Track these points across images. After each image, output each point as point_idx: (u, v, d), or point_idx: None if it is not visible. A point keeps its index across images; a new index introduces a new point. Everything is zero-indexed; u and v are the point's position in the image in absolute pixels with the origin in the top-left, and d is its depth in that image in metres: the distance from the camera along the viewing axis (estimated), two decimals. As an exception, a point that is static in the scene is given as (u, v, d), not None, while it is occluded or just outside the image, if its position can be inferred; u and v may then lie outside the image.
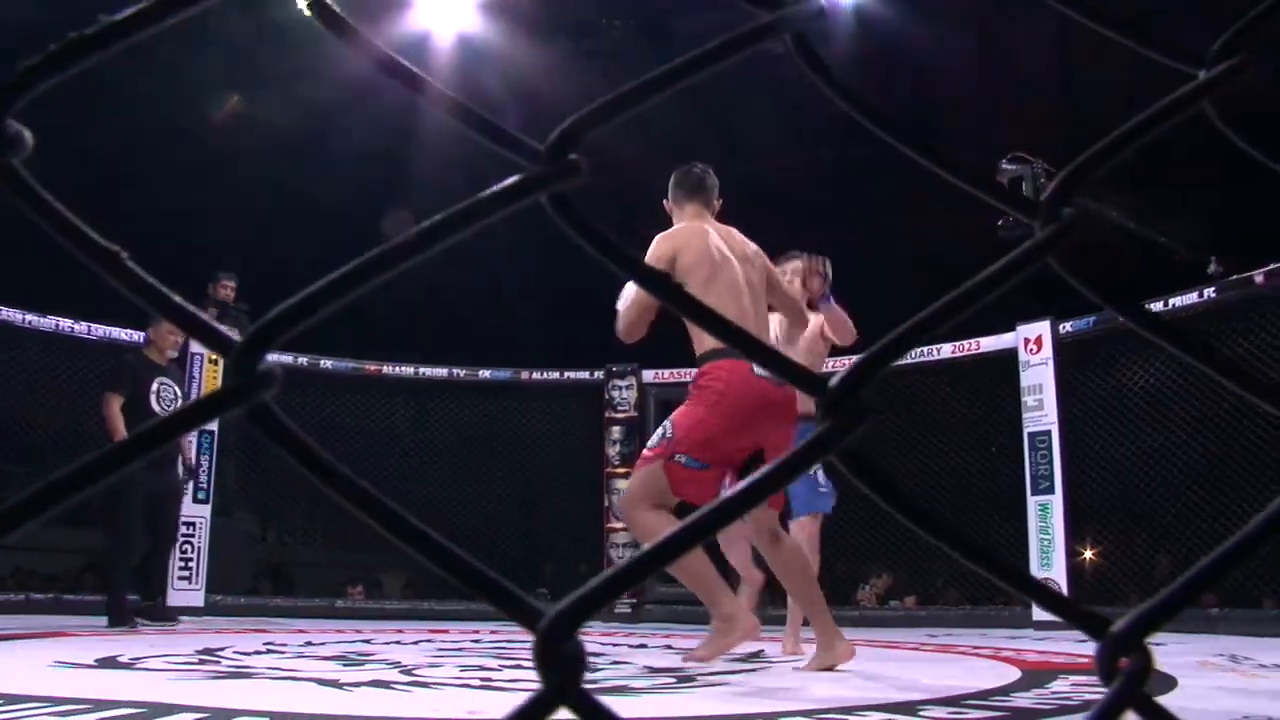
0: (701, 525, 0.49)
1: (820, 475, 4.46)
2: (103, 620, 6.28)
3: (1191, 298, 7.01)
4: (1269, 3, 0.58)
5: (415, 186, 11.03)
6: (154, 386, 6.42)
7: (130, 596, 6.41)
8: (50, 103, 0.51)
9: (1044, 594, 0.55)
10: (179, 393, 6.66)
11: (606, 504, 9.01)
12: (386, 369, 9.28)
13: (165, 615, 6.58)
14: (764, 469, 0.49)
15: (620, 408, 9.14)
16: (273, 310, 0.49)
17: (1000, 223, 6.43)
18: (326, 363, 9.03)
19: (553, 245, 9.52)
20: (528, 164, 0.51)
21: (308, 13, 0.51)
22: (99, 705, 2.43)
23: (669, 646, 5.31)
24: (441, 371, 9.30)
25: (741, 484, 0.49)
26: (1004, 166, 6.77)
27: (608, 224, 0.54)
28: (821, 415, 0.50)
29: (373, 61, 0.53)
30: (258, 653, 4.39)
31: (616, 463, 8.97)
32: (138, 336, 7.54)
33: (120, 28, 0.49)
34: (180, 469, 6.73)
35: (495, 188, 0.51)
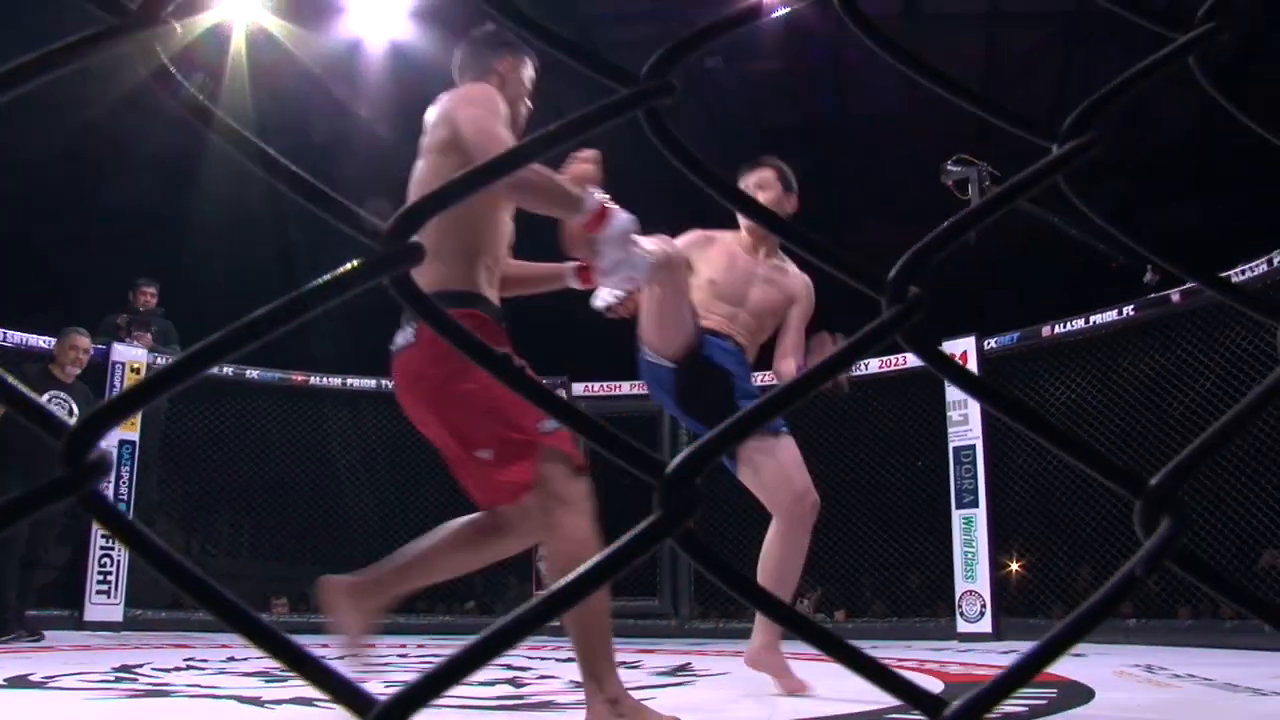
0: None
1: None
2: None
3: (1111, 315, 7.17)
4: (1119, 81, 0.60)
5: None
6: (44, 399, 6.13)
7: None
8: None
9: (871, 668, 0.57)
10: (74, 409, 6.41)
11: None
12: (314, 380, 9.17)
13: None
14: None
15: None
16: (105, 400, 0.51)
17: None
18: (252, 372, 8.90)
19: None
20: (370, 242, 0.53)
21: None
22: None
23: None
24: (370, 382, 9.21)
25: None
26: (948, 168, 6.80)
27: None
28: (656, 500, 0.52)
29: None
30: (177, 669, 4.31)
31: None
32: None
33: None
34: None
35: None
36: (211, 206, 10.68)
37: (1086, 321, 7.29)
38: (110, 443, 8.00)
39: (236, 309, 0.51)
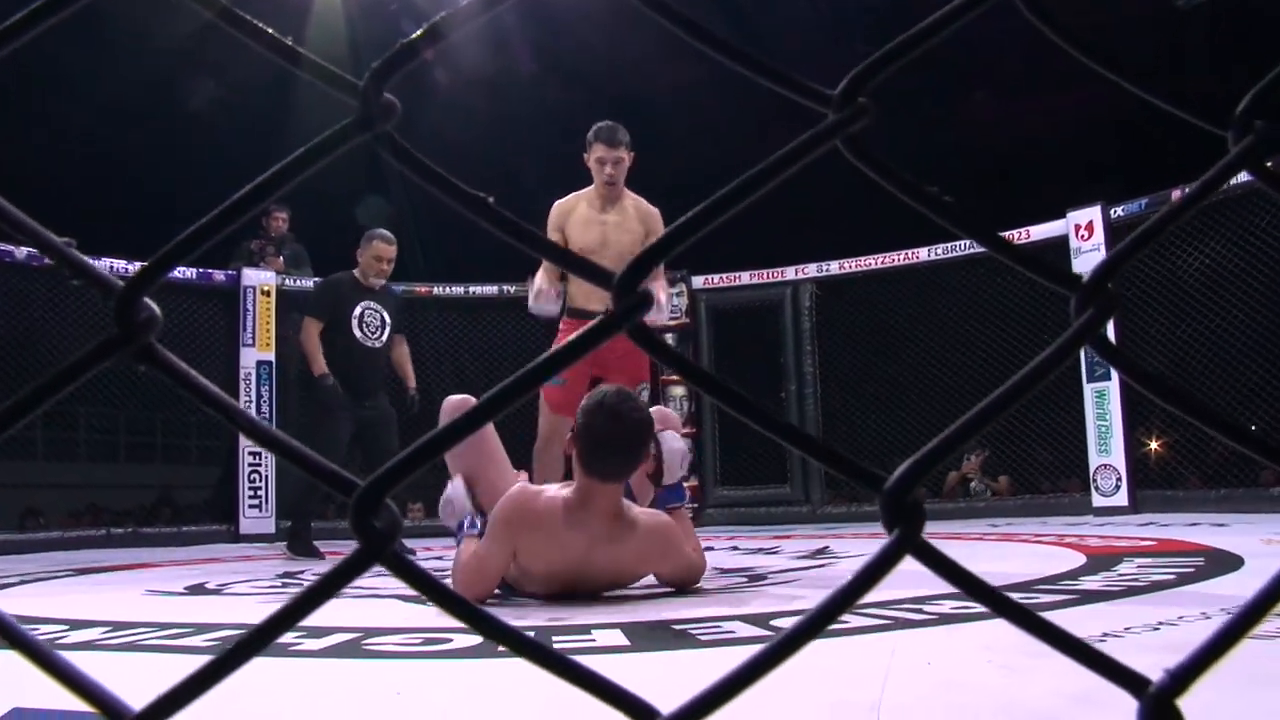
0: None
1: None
2: (181, 551, 6.45)
3: (1244, 175, 6.87)
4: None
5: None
6: (358, 311, 6.03)
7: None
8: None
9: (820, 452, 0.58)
10: (386, 319, 6.19)
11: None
12: (437, 289, 9.34)
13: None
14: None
15: (672, 315, 9.17)
16: (152, 258, 0.53)
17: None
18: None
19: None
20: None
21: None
22: (200, 628, 2.54)
23: (735, 548, 5.41)
24: (492, 289, 9.34)
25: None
26: None
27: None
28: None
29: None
30: (337, 573, 4.53)
31: (669, 371, 9.03)
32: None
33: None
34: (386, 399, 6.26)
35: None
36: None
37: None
38: (248, 364, 8.32)
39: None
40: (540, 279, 4.43)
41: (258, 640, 0.51)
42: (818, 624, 0.51)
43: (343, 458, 5.89)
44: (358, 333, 6.01)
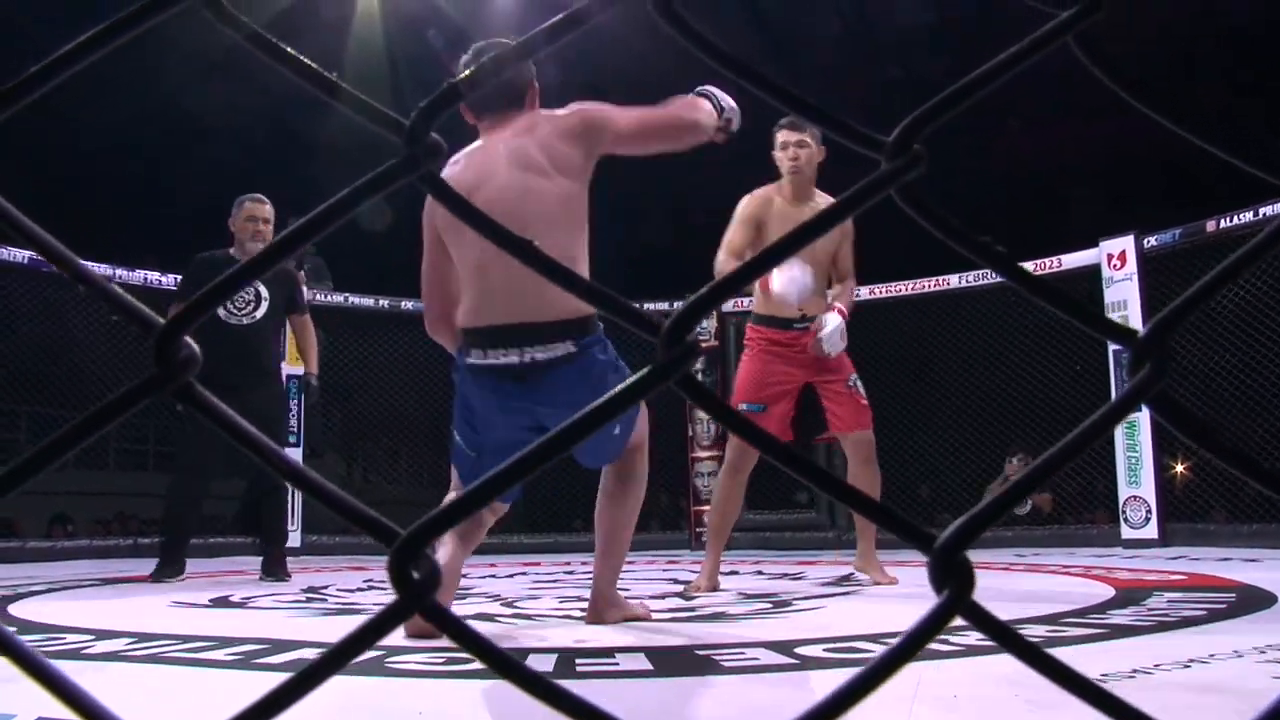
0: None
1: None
2: (208, 562, 6.45)
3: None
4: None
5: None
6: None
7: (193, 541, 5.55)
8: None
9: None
10: (261, 292, 5.31)
11: (690, 434, 9.08)
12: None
13: (274, 571, 5.25)
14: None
15: (700, 336, 9.16)
16: (192, 298, 0.54)
17: None
18: (406, 304, 9.13)
19: (624, 183, 9.50)
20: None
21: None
22: (225, 642, 2.55)
23: (760, 572, 5.38)
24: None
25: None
26: None
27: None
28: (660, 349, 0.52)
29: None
30: (360, 589, 4.54)
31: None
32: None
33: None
34: (284, 381, 5.58)
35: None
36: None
37: (1255, 214, 6.93)
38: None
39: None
40: (722, 265, 4.19)
41: (293, 693, 0.50)
42: (858, 691, 0.50)
43: (207, 460, 5.21)
44: (221, 310, 5.01)
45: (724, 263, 4.20)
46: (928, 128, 0.56)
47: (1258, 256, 0.58)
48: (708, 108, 2.96)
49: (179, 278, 6.30)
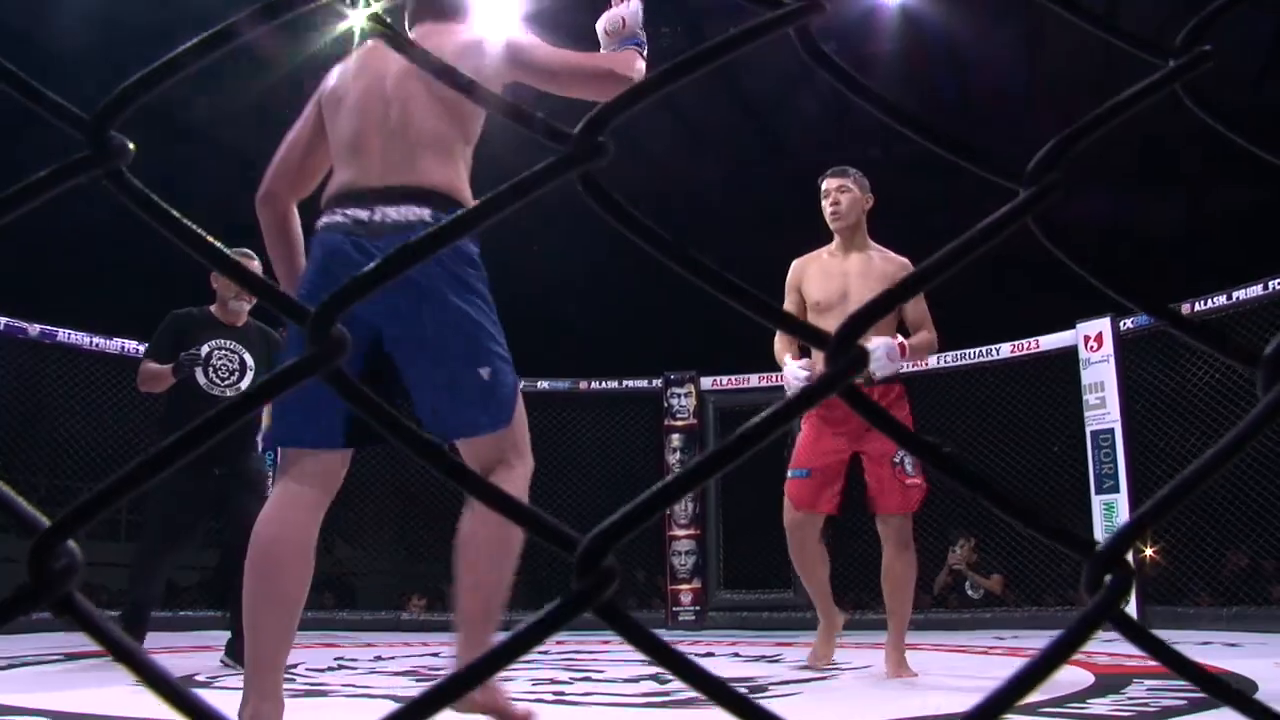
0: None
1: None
2: (177, 636, 6.31)
3: (1256, 290, 6.90)
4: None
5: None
6: (204, 351, 4.83)
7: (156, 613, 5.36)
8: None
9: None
10: (247, 362, 4.97)
11: (668, 511, 9.03)
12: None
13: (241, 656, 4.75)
14: None
15: (679, 415, 9.14)
16: (356, 276, 0.52)
17: None
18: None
19: (607, 254, 9.55)
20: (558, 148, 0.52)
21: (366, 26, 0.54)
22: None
23: (736, 654, 5.32)
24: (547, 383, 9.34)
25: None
26: None
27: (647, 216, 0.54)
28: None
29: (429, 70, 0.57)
30: (330, 669, 4.46)
31: (677, 470, 8.98)
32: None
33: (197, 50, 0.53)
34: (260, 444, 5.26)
35: (533, 169, 0.52)
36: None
37: (1229, 298, 7.01)
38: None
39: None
40: (779, 351, 4.18)
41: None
42: (1018, 689, 0.51)
43: (179, 531, 5.01)
44: (202, 379, 4.81)
45: (779, 345, 4.21)
46: (1066, 156, 0.55)
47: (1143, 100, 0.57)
48: (640, 67, 2.66)
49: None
